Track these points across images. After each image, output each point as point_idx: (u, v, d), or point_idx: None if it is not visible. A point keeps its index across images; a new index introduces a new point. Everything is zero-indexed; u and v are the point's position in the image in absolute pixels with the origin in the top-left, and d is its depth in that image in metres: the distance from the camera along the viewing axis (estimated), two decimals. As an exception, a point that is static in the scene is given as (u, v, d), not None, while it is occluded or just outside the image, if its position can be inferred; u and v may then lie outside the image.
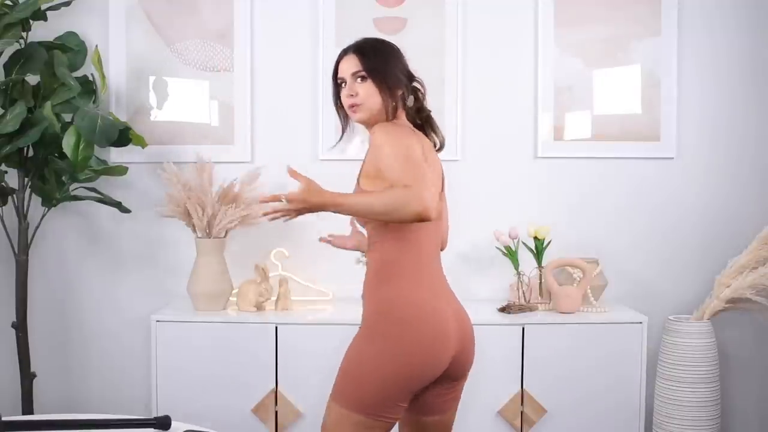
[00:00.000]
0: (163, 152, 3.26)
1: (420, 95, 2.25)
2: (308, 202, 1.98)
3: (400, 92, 2.18)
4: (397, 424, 2.15)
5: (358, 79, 2.15)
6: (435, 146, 2.28)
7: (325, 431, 2.13)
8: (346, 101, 2.18)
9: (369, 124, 2.18)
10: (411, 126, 2.22)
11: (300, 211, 2.00)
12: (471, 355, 2.21)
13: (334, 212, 2.01)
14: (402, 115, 2.21)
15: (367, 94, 2.14)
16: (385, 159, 2.01)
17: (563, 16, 3.28)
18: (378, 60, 2.16)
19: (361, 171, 2.19)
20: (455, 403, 2.25)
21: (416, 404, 2.17)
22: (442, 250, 2.29)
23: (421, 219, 1.91)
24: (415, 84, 2.24)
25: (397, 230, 2.11)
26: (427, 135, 2.26)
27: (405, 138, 2.06)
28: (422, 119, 2.27)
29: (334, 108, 2.28)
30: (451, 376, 2.15)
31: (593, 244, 3.29)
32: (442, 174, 2.26)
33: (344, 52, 2.21)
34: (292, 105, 3.31)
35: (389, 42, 2.25)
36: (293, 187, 1.95)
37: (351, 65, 2.16)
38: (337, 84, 2.23)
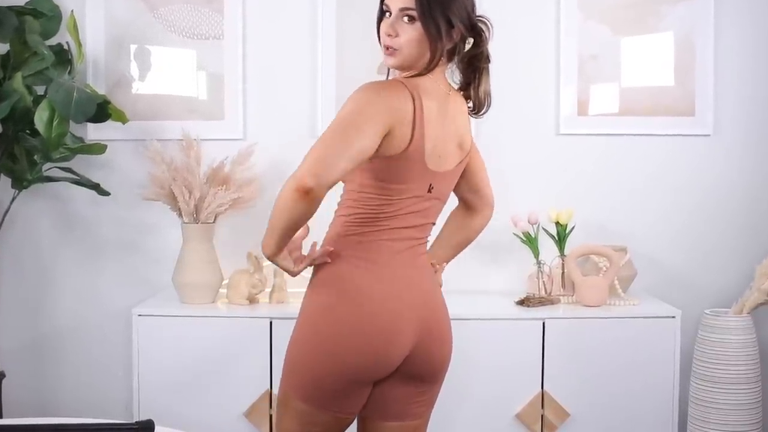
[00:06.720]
0: (146, 128, 3.25)
1: (484, 38, 2.07)
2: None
3: (450, 45, 2.00)
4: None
5: (405, 18, 1.96)
6: (474, 108, 2.13)
7: (276, 412, 2.12)
8: (383, 39, 2.01)
9: (403, 70, 2.03)
10: (442, 83, 2.05)
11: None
12: (441, 356, 2.09)
13: (276, 255, 1.97)
14: (441, 68, 2.05)
15: (409, 40, 1.97)
16: None
17: (588, -21, 3.26)
18: (437, 1, 1.95)
19: None
20: (424, 410, 2.13)
21: (375, 405, 2.07)
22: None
23: (307, 194, 1.78)
24: (480, 26, 2.06)
25: (365, 207, 2.00)
26: (469, 95, 2.11)
27: (371, 97, 1.90)
28: (475, 71, 2.10)
29: (377, 39, 2.07)
30: (417, 376, 2.05)
31: (621, 230, 3.29)
32: (464, 140, 2.12)
33: None
34: (288, 76, 3.30)
35: None
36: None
37: None
38: (383, 11, 2.03)
